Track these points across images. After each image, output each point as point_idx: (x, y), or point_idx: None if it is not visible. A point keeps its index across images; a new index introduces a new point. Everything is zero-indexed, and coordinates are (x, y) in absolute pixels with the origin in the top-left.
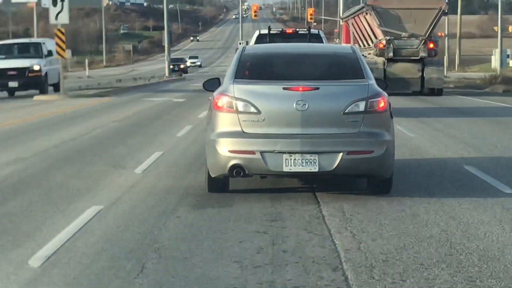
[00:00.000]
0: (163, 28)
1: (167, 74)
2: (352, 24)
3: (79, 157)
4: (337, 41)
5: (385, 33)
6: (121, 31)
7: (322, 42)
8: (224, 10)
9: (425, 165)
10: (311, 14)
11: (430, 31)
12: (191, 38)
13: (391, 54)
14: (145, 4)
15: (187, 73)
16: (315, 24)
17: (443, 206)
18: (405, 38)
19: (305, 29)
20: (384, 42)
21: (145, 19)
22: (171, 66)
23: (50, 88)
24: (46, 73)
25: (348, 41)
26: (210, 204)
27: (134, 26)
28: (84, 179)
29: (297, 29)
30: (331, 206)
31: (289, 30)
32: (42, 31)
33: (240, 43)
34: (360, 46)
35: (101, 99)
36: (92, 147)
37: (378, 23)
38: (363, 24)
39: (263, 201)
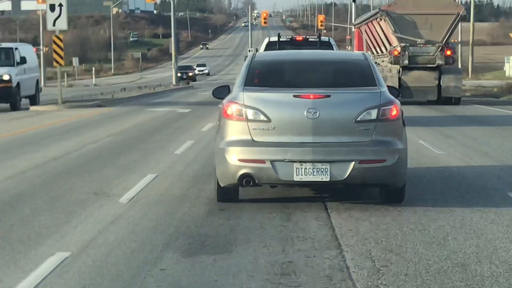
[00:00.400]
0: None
1: (174, 82)
2: (365, 30)
3: (59, 181)
4: (349, 48)
5: (400, 39)
6: (131, 39)
7: (333, 49)
8: (234, 17)
9: (465, 194)
10: (321, 21)
11: (447, 38)
12: (201, 46)
13: (406, 62)
14: (155, 11)
15: (195, 81)
16: (325, 31)
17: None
18: (421, 45)
19: (315, 37)
20: (399, 49)
21: (155, 26)
22: (179, 74)
23: (26, 101)
24: (18, 84)
25: (360, 48)
26: (204, 250)
27: (143, 34)
28: (56, 213)
29: (307, 37)
30: (356, 250)
31: (299, 38)
32: (50, 38)
33: (249, 50)
34: (373, 53)
35: (101, 110)
36: (77, 168)
37: (393, 29)
38: (376, 31)
39: (270, 243)
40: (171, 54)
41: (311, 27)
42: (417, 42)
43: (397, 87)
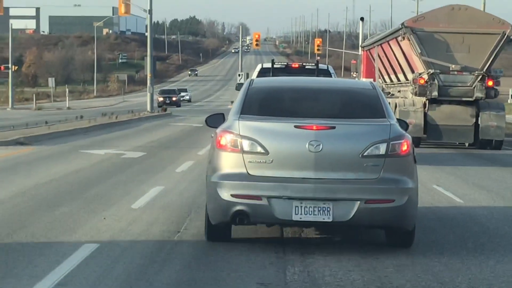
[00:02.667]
0: (163, 58)
1: (148, 108)
2: (378, 53)
3: None
4: (354, 75)
5: (427, 64)
6: (120, 60)
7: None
8: (227, 42)
9: None
10: (318, 45)
11: (490, 64)
12: (189, 72)
13: (435, 94)
14: (146, 34)
15: (179, 106)
16: (318, 58)
17: None
18: (455, 73)
19: (313, 64)
20: (426, 76)
21: (145, 48)
22: (161, 99)
23: None
24: None
25: (369, 76)
26: None
27: (133, 56)
28: None
29: (304, 64)
30: None
31: (295, 65)
32: (34, 57)
33: (239, 75)
34: (386, 81)
35: (20, 149)
36: None
37: (419, 51)
38: (394, 53)
39: None
40: (160, 76)
41: (305, 53)
42: (450, 69)
43: (422, 125)
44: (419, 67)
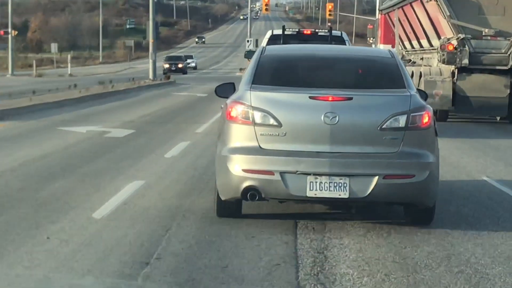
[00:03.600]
0: (171, 24)
1: (151, 76)
2: (399, 17)
3: None
4: (371, 41)
5: (457, 29)
6: (127, 26)
7: (346, 45)
8: (236, 8)
9: None
10: (330, 10)
11: None
12: (196, 39)
13: (466, 61)
14: None
15: (186, 73)
16: (329, 24)
17: None
18: (488, 38)
19: (326, 30)
20: (455, 43)
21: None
22: (167, 65)
23: None
24: None
25: (388, 41)
26: None
27: (141, 21)
28: None
29: (317, 30)
30: None
31: (307, 31)
32: (40, 22)
33: (248, 41)
34: (407, 48)
35: None
36: None
37: (448, 13)
38: (417, 16)
39: None
40: (167, 43)
41: (315, 19)
42: (483, 34)
43: (451, 97)
44: (447, 31)
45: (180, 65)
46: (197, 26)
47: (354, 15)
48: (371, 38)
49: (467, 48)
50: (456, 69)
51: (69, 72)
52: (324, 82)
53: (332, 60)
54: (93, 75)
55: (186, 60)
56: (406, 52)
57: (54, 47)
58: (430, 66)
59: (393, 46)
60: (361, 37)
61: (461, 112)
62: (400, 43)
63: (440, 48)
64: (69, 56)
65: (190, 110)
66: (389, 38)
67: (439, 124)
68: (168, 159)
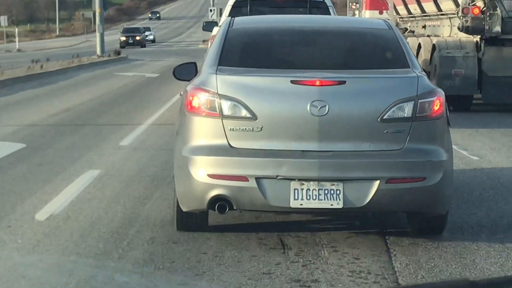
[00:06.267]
0: None
1: (98, 52)
2: None
3: None
4: (353, 7)
5: None
6: None
7: (329, 14)
8: None
9: None
10: None
11: None
12: (149, 15)
13: (497, 29)
14: None
15: (144, 46)
16: None
17: None
18: None
19: None
20: (481, 5)
21: None
22: (124, 38)
23: None
24: None
25: (374, 7)
26: None
27: None
28: None
29: None
30: None
31: None
32: None
33: (210, 10)
34: (401, 14)
35: None
36: None
37: None
38: None
39: None
40: (129, 14)
41: None
42: None
43: (476, 78)
44: None
45: (137, 38)
46: None
47: None
48: (354, 4)
49: (498, 11)
50: (483, 41)
51: (17, 47)
52: (309, 62)
53: (318, 34)
54: (45, 49)
55: (144, 32)
56: (401, 19)
57: (3, 20)
58: (448, 37)
59: (380, 13)
60: (342, 5)
61: (489, 99)
62: (395, 10)
63: (462, 11)
64: (16, 30)
65: (127, 101)
66: (376, 3)
67: (459, 114)
68: (55, 210)
